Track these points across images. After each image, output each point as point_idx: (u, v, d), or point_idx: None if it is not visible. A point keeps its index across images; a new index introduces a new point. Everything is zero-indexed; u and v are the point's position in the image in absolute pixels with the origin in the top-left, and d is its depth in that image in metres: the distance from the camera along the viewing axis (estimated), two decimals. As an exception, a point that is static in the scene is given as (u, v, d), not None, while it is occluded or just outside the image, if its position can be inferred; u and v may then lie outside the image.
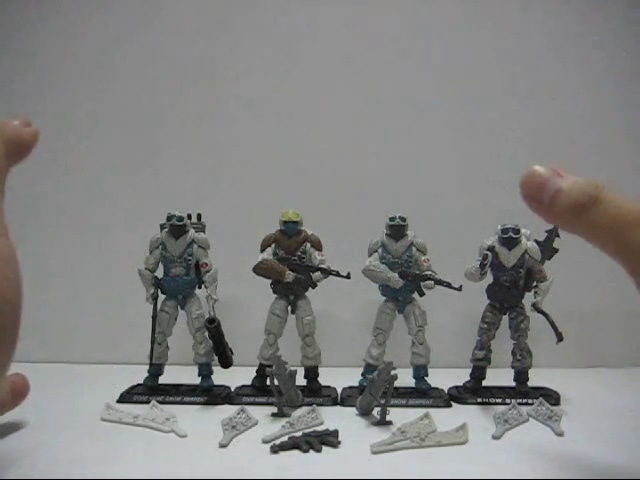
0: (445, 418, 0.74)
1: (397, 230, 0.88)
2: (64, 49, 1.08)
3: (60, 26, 1.08)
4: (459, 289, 0.85)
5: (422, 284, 0.87)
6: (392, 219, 0.88)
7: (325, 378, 0.88)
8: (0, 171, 0.49)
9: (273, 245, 0.88)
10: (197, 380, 0.87)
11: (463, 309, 0.97)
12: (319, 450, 0.65)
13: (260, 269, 0.86)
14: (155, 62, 1.07)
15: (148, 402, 0.78)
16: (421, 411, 0.74)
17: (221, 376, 0.87)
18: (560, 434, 0.71)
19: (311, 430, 0.70)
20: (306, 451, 0.64)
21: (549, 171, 0.47)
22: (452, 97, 1.07)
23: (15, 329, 0.44)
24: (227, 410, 0.76)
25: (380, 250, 0.89)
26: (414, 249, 0.88)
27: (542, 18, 1.07)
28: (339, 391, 0.87)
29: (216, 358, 0.85)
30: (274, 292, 0.89)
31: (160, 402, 0.79)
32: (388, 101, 1.07)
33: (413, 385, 0.87)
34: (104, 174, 1.07)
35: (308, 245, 0.88)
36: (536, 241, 0.86)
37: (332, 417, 0.75)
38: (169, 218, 0.86)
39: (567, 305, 0.94)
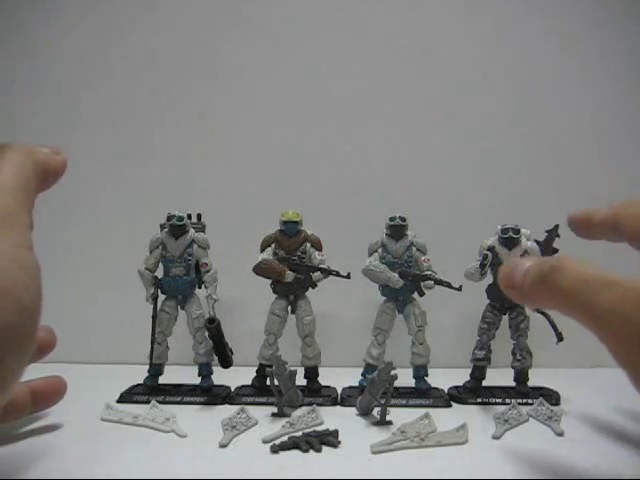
0: (445, 418, 0.73)
1: (397, 230, 0.88)
2: (61, 46, 1.07)
3: (57, 22, 1.07)
4: (459, 289, 0.85)
5: (422, 284, 0.87)
6: (392, 219, 0.88)
7: (325, 378, 0.88)
8: (29, 192, 0.49)
9: (273, 245, 0.88)
10: (197, 380, 0.87)
11: (463, 309, 0.97)
12: (319, 450, 0.65)
13: (260, 269, 0.86)
14: (155, 60, 1.07)
15: (148, 402, 0.78)
16: (421, 411, 0.74)
17: (221, 376, 0.87)
18: (560, 434, 0.71)
19: (311, 430, 0.69)
20: (306, 451, 0.64)
21: (516, 259, 0.54)
22: (453, 97, 1.07)
23: (32, 337, 0.44)
24: (227, 410, 0.76)
25: (380, 250, 0.89)
26: (414, 249, 0.88)
27: (543, 15, 1.07)
28: (339, 391, 0.87)
29: (216, 358, 0.85)
30: (274, 292, 0.89)
31: (160, 402, 0.79)
32: (389, 101, 1.07)
33: (413, 385, 0.87)
34: (103, 174, 1.07)
35: (308, 245, 0.88)
36: (536, 241, 0.86)
37: (332, 417, 0.75)
38: (169, 218, 0.86)
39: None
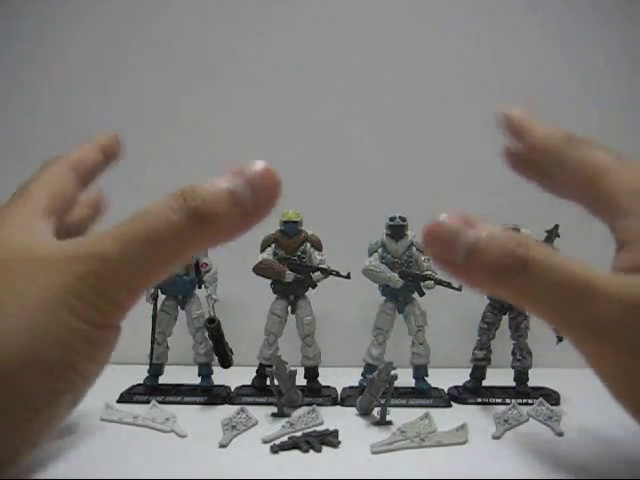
0: (445, 418, 0.73)
1: (397, 230, 0.88)
2: (63, 44, 1.07)
3: (61, 19, 1.07)
4: (459, 289, 0.85)
5: (422, 284, 0.87)
6: (392, 219, 0.88)
7: (325, 378, 0.88)
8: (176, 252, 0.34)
9: (273, 245, 0.88)
10: (197, 380, 0.87)
11: (463, 309, 0.97)
12: (319, 450, 0.65)
13: (260, 269, 0.86)
14: (155, 59, 1.07)
15: (148, 402, 0.78)
16: (421, 411, 0.74)
17: (221, 376, 0.87)
18: (560, 434, 0.71)
19: (311, 430, 0.70)
20: (306, 451, 0.64)
21: (457, 221, 0.33)
22: (453, 97, 1.07)
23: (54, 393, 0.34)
24: (227, 410, 0.76)
25: (380, 250, 0.89)
26: (414, 249, 0.88)
27: (543, 17, 1.07)
28: (339, 391, 0.87)
29: (216, 358, 0.85)
30: (274, 292, 0.89)
31: (160, 402, 0.79)
32: (389, 101, 1.07)
33: (413, 385, 0.87)
34: (103, 174, 1.07)
35: (308, 245, 0.88)
36: (536, 241, 0.86)
37: (332, 417, 0.75)
38: (169, 218, 0.86)
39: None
